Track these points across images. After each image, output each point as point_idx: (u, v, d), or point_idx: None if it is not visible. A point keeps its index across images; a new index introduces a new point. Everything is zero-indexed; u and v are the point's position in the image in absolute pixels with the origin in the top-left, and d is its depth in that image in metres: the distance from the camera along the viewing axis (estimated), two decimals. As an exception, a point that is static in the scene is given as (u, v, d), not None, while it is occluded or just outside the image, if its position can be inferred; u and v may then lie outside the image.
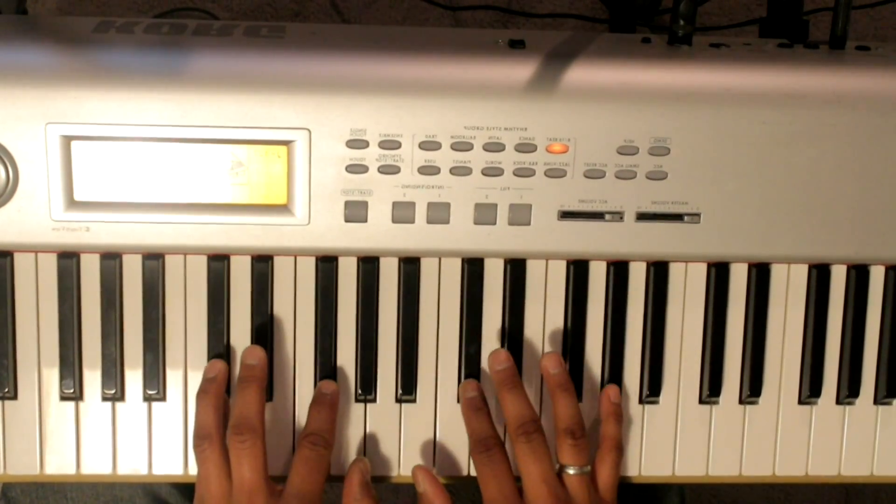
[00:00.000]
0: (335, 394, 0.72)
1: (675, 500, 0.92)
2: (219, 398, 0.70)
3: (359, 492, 0.70)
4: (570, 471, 0.70)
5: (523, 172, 0.69)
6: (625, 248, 0.71)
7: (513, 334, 0.74)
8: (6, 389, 0.72)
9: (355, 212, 0.69)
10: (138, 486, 0.84)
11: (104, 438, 0.73)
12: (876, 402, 0.77)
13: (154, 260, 0.71)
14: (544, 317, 0.74)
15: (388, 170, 0.69)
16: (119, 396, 0.72)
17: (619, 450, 0.73)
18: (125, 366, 0.72)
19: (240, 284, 0.72)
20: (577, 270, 0.74)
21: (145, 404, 0.73)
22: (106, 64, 0.67)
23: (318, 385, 0.73)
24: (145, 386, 0.72)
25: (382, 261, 0.72)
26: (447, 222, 0.70)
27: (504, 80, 0.68)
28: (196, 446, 0.69)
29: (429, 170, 0.69)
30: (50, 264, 0.71)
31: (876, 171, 0.71)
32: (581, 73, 0.69)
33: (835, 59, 0.73)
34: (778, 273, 0.75)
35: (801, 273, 0.75)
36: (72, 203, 0.68)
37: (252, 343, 0.72)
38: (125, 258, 0.71)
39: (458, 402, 0.74)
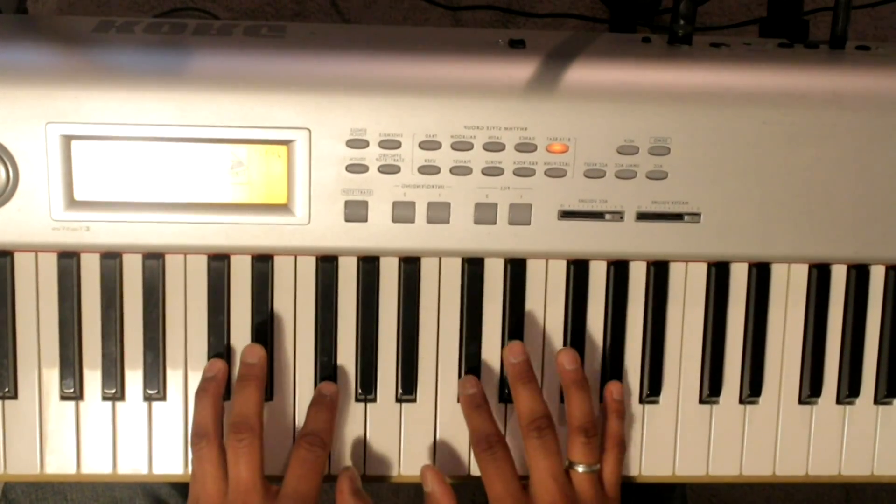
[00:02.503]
0: (335, 395, 0.72)
1: (678, 502, 0.92)
2: (217, 397, 0.70)
3: (351, 500, 0.70)
4: (580, 468, 0.70)
5: (523, 172, 0.69)
6: (625, 247, 0.71)
7: (513, 334, 0.74)
8: (6, 389, 0.72)
9: (355, 211, 0.69)
10: (138, 487, 0.84)
11: (104, 438, 0.73)
12: (876, 401, 0.77)
13: (154, 259, 0.71)
14: (544, 316, 0.74)
15: (389, 169, 0.69)
16: (119, 396, 0.72)
17: (622, 446, 0.73)
18: (125, 365, 0.72)
19: (240, 284, 0.72)
20: (578, 270, 0.74)
21: (145, 404, 0.73)
22: (106, 64, 0.67)
23: (319, 386, 0.72)
24: (145, 385, 0.72)
25: (383, 260, 0.72)
26: (447, 222, 0.70)
27: (504, 80, 0.68)
28: (193, 444, 0.69)
29: (429, 169, 0.69)
30: (50, 264, 0.71)
31: (876, 171, 0.71)
32: (581, 73, 0.69)
33: (835, 59, 0.73)
34: (778, 273, 0.75)
35: (801, 273, 0.75)
36: (72, 203, 0.68)
37: (252, 343, 0.72)
38: (125, 258, 0.71)
39: (458, 399, 0.74)
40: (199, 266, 0.72)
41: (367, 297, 0.73)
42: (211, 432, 0.68)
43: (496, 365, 0.74)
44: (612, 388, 0.74)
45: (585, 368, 0.74)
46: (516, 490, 0.69)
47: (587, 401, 0.71)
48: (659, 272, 0.74)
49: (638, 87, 0.69)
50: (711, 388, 0.75)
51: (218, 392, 0.70)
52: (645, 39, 0.75)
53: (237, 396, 0.70)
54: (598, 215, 0.70)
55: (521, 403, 0.71)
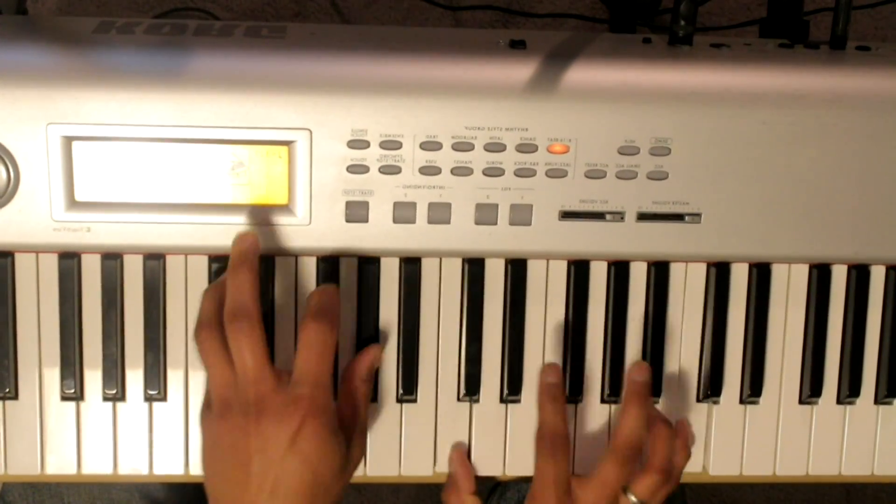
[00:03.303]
0: (335, 287, 0.70)
1: (678, 502, 0.92)
2: (224, 292, 0.67)
3: (366, 373, 0.70)
4: (633, 499, 0.71)
5: (524, 172, 0.69)
6: (625, 248, 0.71)
7: (514, 334, 0.74)
8: (7, 389, 0.72)
9: (356, 212, 0.69)
10: (134, 489, 0.84)
11: (105, 438, 0.73)
12: (876, 401, 0.77)
13: (155, 260, 0.71)
14: (545, 317, 0.74)
15: (389, 170, 0.69)
16: (120, 396, 0.72)
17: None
18: (126, 366, 0.72)
19: (241, 284, 0.72)
20: (578, 270, 0.74)
21: (146, 404, 0.73)
22: (107, 64, 0.67)
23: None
24: (146, 386, 0.72)
25: (383, 261, 0.72)
26: (448, 222, 0.70)
27: (505, 81, 0.68)
28: (196, 336, 0.66)
29: (430, 170, 0.69)
30: (51, 265, 0.71)
31: (876, 171, 0.71)
32: (582, 74, 0.69)
33: (835, 60, 0.73)
34: (778, 273, 0.75)
35: (801, 273, 0.75)
36: (73, 203, 0.68)
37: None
38: (126, 258, 0.71)
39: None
40: (200, 267, 0.72)
41: (368, 298, 0.73)
42: (212, 321, 0.66)
43: (496, 365, 0.74)
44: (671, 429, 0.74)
45: (585, 370, 0.74)
46: (563, 490, 0.69)
47: (672, 443, 0.73)
48: (659, 272, 0.74)
49: (638, 87, 0.69)
50: (712, 387, 0.75)
51: (223, 288, 0.67)
52: (645, 40, 0.75)
53: (229, 283, 0.66)
54: (598, 216, 0.70)
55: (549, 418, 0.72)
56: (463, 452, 0.73)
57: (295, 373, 0.65)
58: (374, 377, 0.73)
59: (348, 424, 0.68)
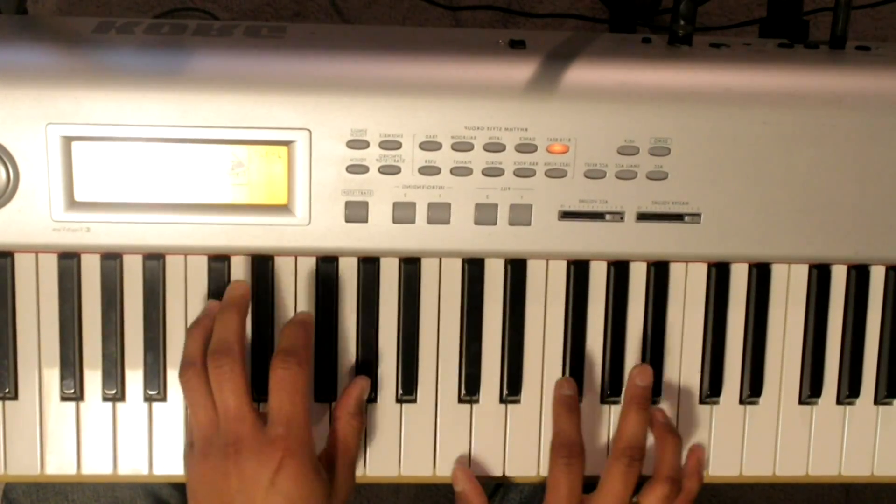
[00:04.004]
0: (309, 317, 0.71)
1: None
2: (207, 330, 0.68)
3: (354, 406, 0.70)
4: None
5: (524, 173, 0.69)
6: (625, 248, 0.71)
7: (513, 334, 0.74)
8: (7, 390, 0.72)
9: (356, 212, 0.69)
10: (139, 487, 0.84)
11: (105, 439, 0.73)
12: (876, 401, 0.77)
13: (154, 260, 0.71)
14: (545, 317, 0.74)
15: (389, 170, 0.69)
16: (120, 397, 0.72)
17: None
18: (126, 366, 0.72)
19: (240, 285, 0.72)
20: (578, 271, 0.74)
21: (146, 404, 0.73)
22: (106, 64, 0.67)
23: (294, 315, 0.72)
24: (146, 386, 0.72)
25: (383, 261, 0.72)
26: (448, 222, 0.70)
27: (504, 81, 0.68)
28: (180, 376, 0.67)
29: (429, 170, 0.69)
30: (50, 265, 0.71)
31: (876, 172, 0.71)
32: (581, 74, 0.69)
33: (835, 59, 0.73)
34: (778, 273, 0.75)
35: (801, 273, 0.75)
36: (72, 203, 0.68)
37: (252, 344, 0.72)
38: (126, 258, 0.71)
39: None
40: (200, 267, 0.72)
41: (368, 298, 0.73)
42: (197, 361, 0.67)
43: (496, 365, 0.74)
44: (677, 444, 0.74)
45: (585, 370, 0.74)
46: (576, 503, 0.70)
47: (680, 452, 0.73)
48: (659, 273, 0.74)
49: (638, 87, 0.69)
50: (711, 388, 0.75)
51: (208, 326, 0.69)
52: (645, 40, 0.75)
53: (217, 322, 0.68)
54: (598, 216, 0.70)
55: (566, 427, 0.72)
56: (466, 468, 0.73)
57: (270, 414, 0.66)
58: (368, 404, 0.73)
59: (335, 460, 0.69)
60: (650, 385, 0.73)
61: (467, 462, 0.74)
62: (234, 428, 0.65)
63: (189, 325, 0.70)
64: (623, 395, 0.74)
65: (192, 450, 0.67)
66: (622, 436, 0.72)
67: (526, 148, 0.69)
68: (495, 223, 0.70)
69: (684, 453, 0.75)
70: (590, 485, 0.72)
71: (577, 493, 0.70)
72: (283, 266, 0.72)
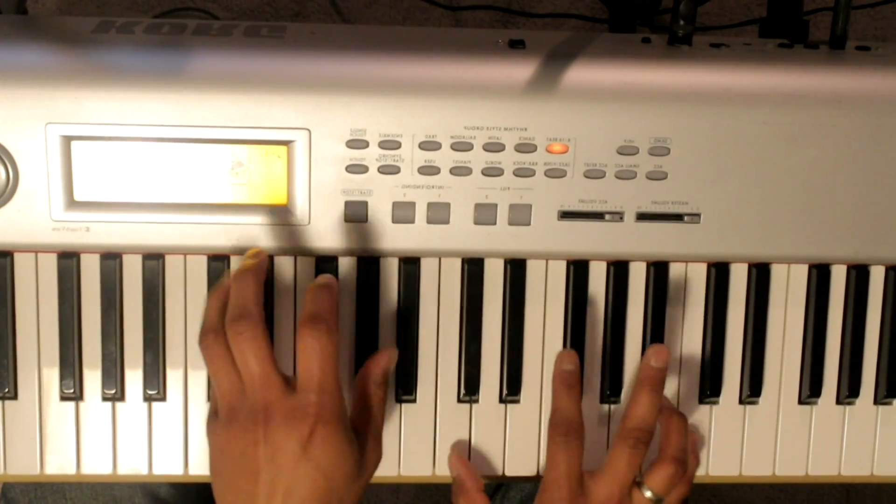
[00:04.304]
0: (333, 280, 0.68)
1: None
2: (226, 296, 0.66)
3: (381, 376, 0.69)
4: (648, 494, 0.69)
5: (523, 172, 0.69)
6: (625, 248, 0.71)
7: (513, 334, 0.74)
8: (6, 389, 0.72)
9: (355, 212, 0.69)
10: (137, 486, 0.84)
11: (104, 438, 0.73)
12: (876, 401, 0.77)
13: (154, 260, 0.71)
14: (544, 317, 0.74)
15: (388, 170, 0.69)
16: (119, 396, 0.72)
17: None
18: (125, 366, 0.72)
19: (240, 284, 0.72)
20: (577, 270, 0.74)
21: (145, 404, 0.73)
22: (106, 64, 0.67)
23: (317, 278, 0.69)
24: (145, 386, 0.72)
25: (382, 261, 0.72)
26: (447, 222, 0.70)
27: (504, 80, 0.68)
28: (200, 343, 0.65)
29: (429, 170, 0.69)
30: (50, 264, 0.71)
31: (876, 171, 0.71)
32: (581, 73, 0.69)
33: (835, 59, 0.73)
34: (778, 273, 0.75)
35: (801, 273, 0.75)
36: (72, 203, 0.68)
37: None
38: (125, 258, 0.71)
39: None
40: (199, 267, 0.72)
41: (367, 298, 0.73)
42: (217, 326, 0.65)
43: (496, 365, 0.74)
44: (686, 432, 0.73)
45: (585, 370, 0.74)
46: (577, 484, 0.68)
47: (686, 432, 0.71)
48: (659, 272, 0.74)
49: (638, 87, 0.69)
50: (711, 388, 0.75)
51: (225, 290, 0.67)
52: (645, 40, 0.75)
53: (234, 289, 0.65)
54: (597, 216, 0.70)
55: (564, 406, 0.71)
56: (462, 453, 0.73)
57: (299, 381, 0.64)
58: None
59: (362, 430, 0.67)
60: (665, 367, 0.71)
61: (465, 451, 0.74)
62: (261, 394, 0.62)
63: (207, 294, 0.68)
64: (636, 375, 0.72)
65: (216, 418, 0.65)
66: (631, 416, 0.69)
67: (525, 148, 0.69)
68: (495, 223, 0.70)
69: None
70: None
71: (575, 471, 0.68)
72: (282, 266, 0.72)
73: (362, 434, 0.67)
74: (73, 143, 0.67)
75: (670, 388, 0.75)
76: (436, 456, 0.74)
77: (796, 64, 0.72)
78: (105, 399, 0.72)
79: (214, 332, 0.64)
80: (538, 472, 0.75)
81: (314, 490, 0.62)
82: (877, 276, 0.75)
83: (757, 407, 0.76)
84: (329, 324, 0.64)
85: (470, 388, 0.74)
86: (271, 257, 0.72)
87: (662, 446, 0.71)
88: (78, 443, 0.73)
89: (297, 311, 0.73)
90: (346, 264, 0.72)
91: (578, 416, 0.70)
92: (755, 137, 0.69)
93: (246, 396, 0.63)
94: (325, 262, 0.72)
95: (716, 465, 0.76)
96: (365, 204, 0.69)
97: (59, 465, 0.73)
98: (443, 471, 0.74)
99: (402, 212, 0.69)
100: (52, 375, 0.72)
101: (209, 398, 0.72)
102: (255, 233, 0.69)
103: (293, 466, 0.62)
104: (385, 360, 0.70)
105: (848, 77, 0.71)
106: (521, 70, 0.69)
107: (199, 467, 0.73)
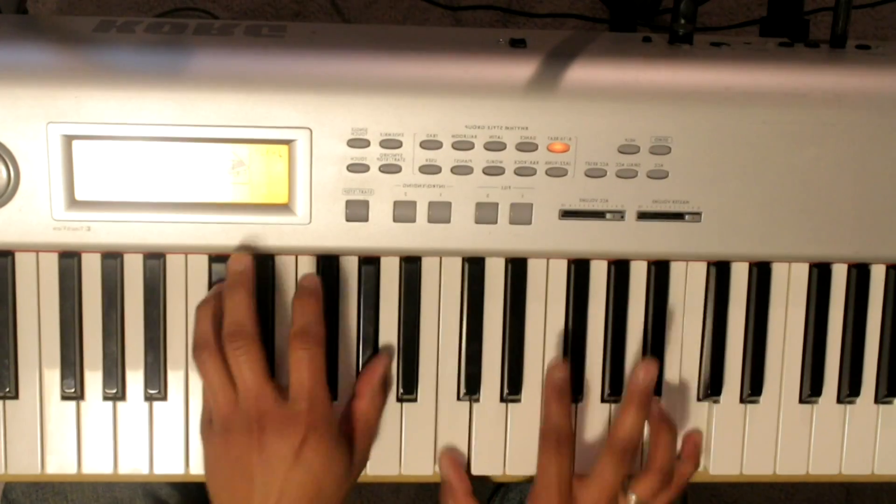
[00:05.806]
0: (317, 284, 0.71)
1: (678, 502, 0.92)
2: (215, 309, 0.69)
3: (378, 384, 0.71)
4: (632, 498, 0.71)
5: (524, 171, 0.69)
6: (626, 247, 0.71)
7: (514, 334, 0.74)
8: (7, 389, 0.72)
9: (356, 211, 0.69)
10: (138, 487, 0.84)
11: (105, 438, 0.73)
12: (877, 400, 0.77)
13: (155, 259, 0.71)
14: (545, 316, 0.74)
15: (390, 169, 0.69)
16: (120, 396, 0.72)
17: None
18: (126, 365, 0.72)
19: (241, 284, 0.72)
20: (578, 270, 0.74)
21: (146, 404, 0.73)
22: (107, 63, 0.67)
23: (300, 280, 0.72)
24: (146, 385, 0.72)
25: (383, 260, 0.72)
26: (448, 221, 0.70)
27: (505, 80, 0.68)
28: (195, 357, 0.68)
29: (430, 169, 0.69)
30: (51, 264, 0.71)
31: (876, 171, 0.71)
32: (582, 73, 0.69)
33: (835, 59, 0.73)
34: (779, 272, 0.75)
35: (802, 272, 0.75)
36: (73, 202, 0.68)
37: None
38: (126, 258, 0.71)
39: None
40: (201, 266, 0.72)
41: (368, 297, 0.73)
42: (211, 341, 0.68)
43: (496, 364, 0.74)
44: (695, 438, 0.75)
45: (585, 370, 0.74)
46: (566, 491, 0.70)
47: (674, 445, 0.73)
48: (660, 272, 0.74)
49: (638, 86, 0.69)
50: (712, 387, 0.75)
51: (217, 305, 0.69)
52: (645, 39, 0.75)
53: (227, 304, 0.69)
54: (598, 215, 0.70)
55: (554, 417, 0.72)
56: (452, 456, 0.73)
57: (291, 392, 0.67)
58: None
59: (355, 436, 0.70)
60: (653, 381, 0.72)
61: (458, 455, 0.74)
62: (255, 405, 0.66)
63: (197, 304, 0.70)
64: (625, 388, 0.74)
65: (211, 426, 0.68)
66: (619, 429, 0.71)
67: (526, 147, 0.69)
68: (496, 222, 0.70)
69: (680, 441, 0.75)
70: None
71: (566, 479, 0.70)
72: (283, 265, 0.72)
73: (352, 439, 0.70)
74: (75, 143, 0.67)
75: (671, 387, 0.75)
76: (436, 456, 0.74)
77: (797, 63, 0.72)
78: (106, 398, 0.72)
79: (208, 347, 0.68)
80: (539, 471, 0.75)
81: (305, 493, 0.66)
82: (877, 275, 0.76)
83: (758, 406, 0.76)
84: (317, 336, 0.68)
85: (471, 387, 0.74)
86: (271, 257, 0.72)
87: (650, 457, 0.72)
88: (79, 442, 0.73)
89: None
90: (347, 263, 0.72)
91: (569, 424, 0.71)
92: (756, 136, 0.69)
93: (240, 407, 0.67)
94: (326, 262, 0.72)
95: (716, 463, 0.76)
96: (366, 203, 0.69)
97: (59, 464, 0.73)
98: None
99: (403, 211, 0.69)
100: (53, 375, 0.72)
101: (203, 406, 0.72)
102: (256, 232, 0.69)
103: (286, 471, 0.65)
104: (380, 367, 0.72)
105: (848, 76, 0.71)
106: (522, 69, 0.69)
107: (200, 467, 0.73)
